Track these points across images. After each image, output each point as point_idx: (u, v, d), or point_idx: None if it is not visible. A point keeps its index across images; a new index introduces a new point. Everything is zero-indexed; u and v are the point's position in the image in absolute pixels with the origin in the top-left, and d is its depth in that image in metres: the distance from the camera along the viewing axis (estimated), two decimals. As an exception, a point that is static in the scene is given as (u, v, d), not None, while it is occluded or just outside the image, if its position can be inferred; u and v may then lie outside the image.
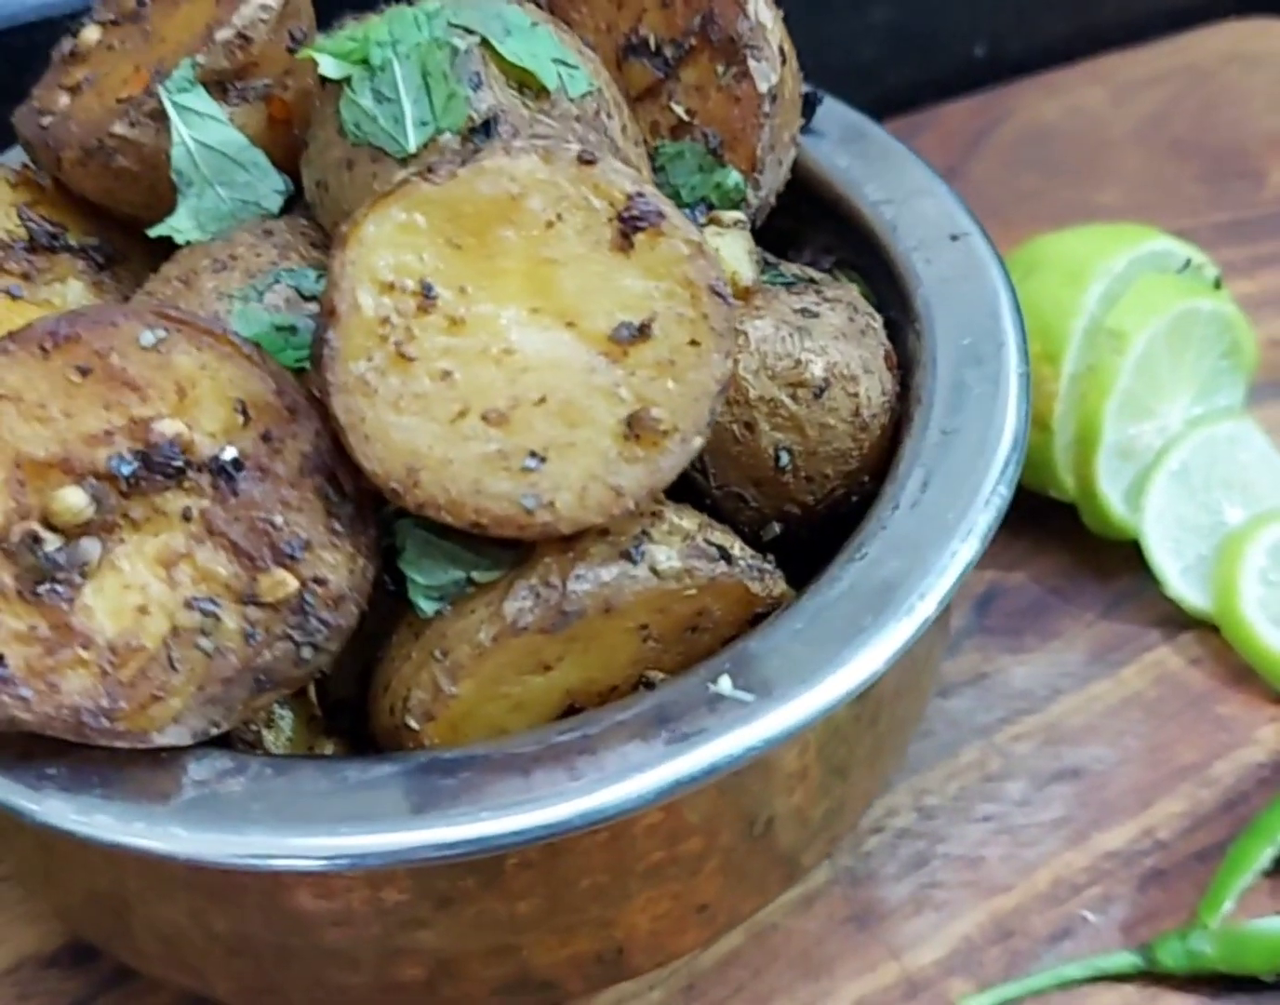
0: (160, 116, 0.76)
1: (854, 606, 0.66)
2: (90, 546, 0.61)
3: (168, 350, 0.62)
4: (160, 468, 0.61)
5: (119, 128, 0.76)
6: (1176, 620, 0.97)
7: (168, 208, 0.77)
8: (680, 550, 0.66)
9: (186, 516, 0.62)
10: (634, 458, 0.63)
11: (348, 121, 0.70)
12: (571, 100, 0.73)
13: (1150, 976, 0.79)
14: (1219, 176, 1.34)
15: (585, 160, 0.63)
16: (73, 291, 0.78)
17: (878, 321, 0.79)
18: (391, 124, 0.69)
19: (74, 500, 0.60)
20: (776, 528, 0.77)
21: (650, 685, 0.66)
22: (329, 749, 0.69)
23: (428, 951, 0.67)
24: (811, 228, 0.93)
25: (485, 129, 0.69)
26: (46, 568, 0.60)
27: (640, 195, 0.64)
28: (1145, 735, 0.91)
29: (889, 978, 0.80)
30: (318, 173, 0.73)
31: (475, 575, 0.65)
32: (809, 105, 0.92)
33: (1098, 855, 0.85)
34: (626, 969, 0.73)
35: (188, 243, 0.75)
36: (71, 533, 0.61)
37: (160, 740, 0.61)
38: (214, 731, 0.62)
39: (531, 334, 0.63)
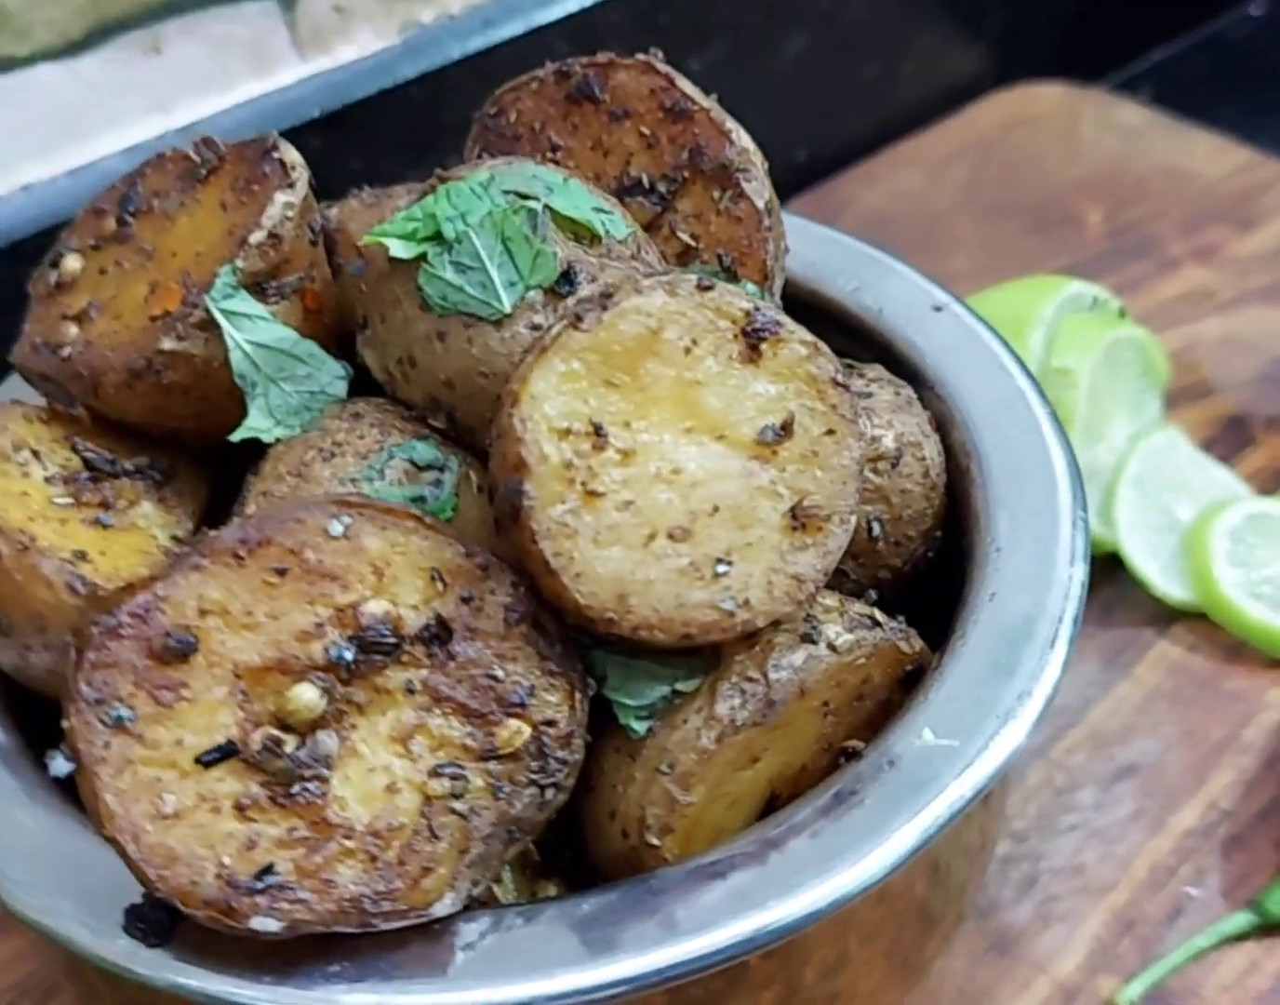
0: (208, 326, 0.76)
1: (1006, 645, 0.72)
2: (328, 738, 0.61)
3: (356, 535, 0.63)
4: (376, 648, 0.62)
5: (167, 344, 0.76)
6: (1164, 615, 1.06)
7: (218, 417, 0.78)
8: (845, 624, 0.71)
9: (410, 689, 0.63)
10: (804, 545, 0.68)
11: (432, 296, 0.73)
12: (620, 242, 0.77)
13: (1264, 929, 0.87)
14: (1044, 227, 1.49)
15: (704, 287, 0.68)
16: (147, 510, 0.78)
17: (911, 390, 0.86)
18: (480, 290, 0.72)
19: (308, 696, 0.61)
20: (873, 595, 0.82)
21: (857, 754, 0.69)
22: (552, 890, 0.70)
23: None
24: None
25: (568, 279, 0.73)
26: (292, 769, 0.60)
27: (757, 309, 0.69)
28: (1176, 722, 1.00)
29: (1044, 991, 0.85)
30: (399, 350, 0.75)
31: (679, 686, 0.68)
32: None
33: (1178, 836, 0.93)
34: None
35: (277, 441, 0.76)
36: (306, 729, 0.61)
37: (439, 911, 0.61)
38: (475, 892, 0.62)
39: (691, 451, 0.67)
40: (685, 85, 0.86)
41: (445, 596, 0.64)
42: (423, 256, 0.74)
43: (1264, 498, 1.10)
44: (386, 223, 0.76)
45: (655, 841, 0.66)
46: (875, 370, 0.86)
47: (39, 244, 0.90)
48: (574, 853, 0.71)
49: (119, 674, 0.59)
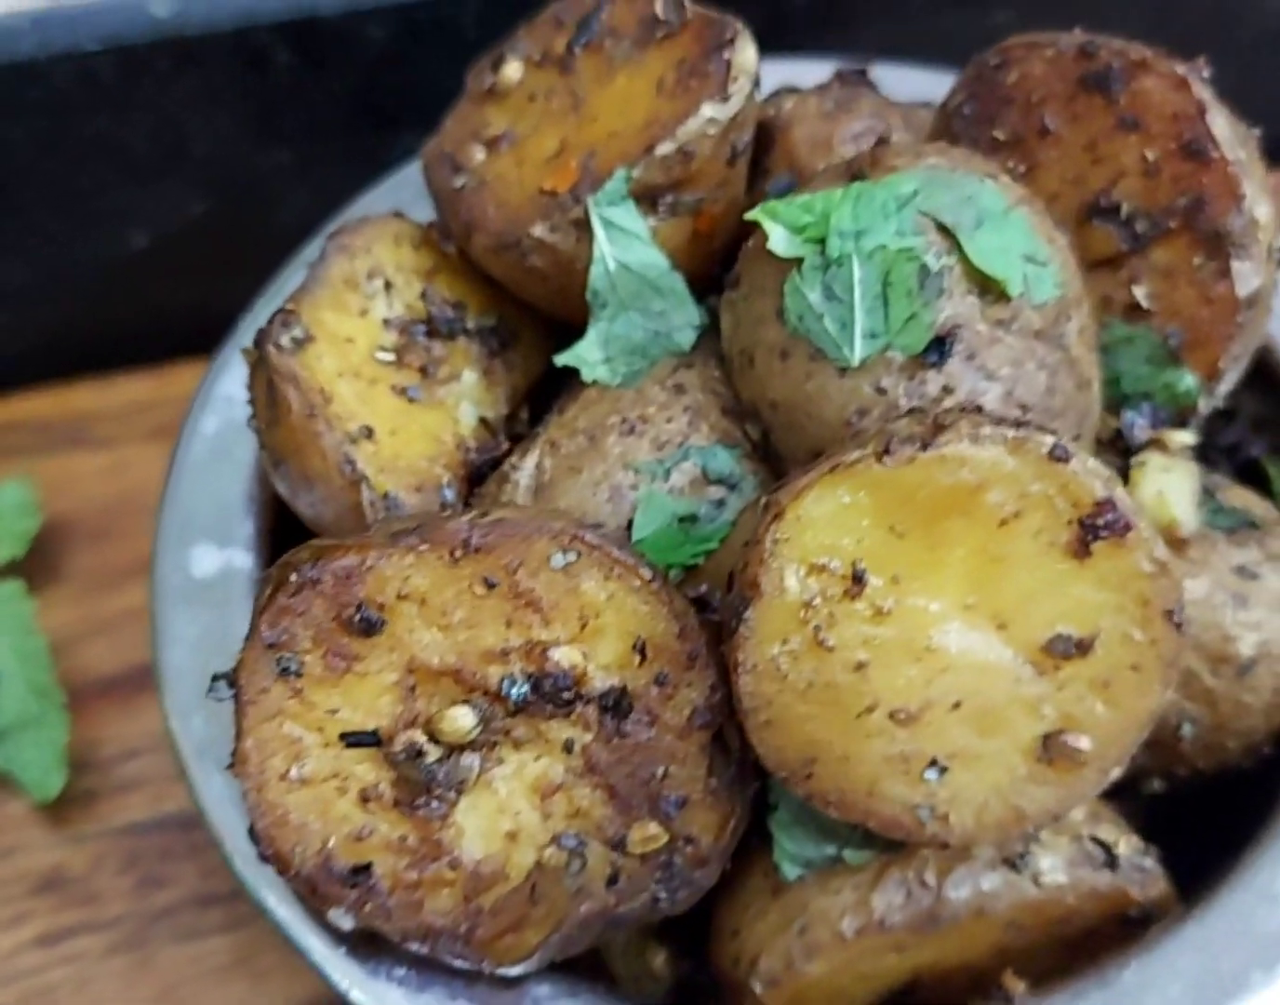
0: (583, 225, 0.71)
1: (1249, 951, 0.61)
2: (469, 763, 0.60)
3: (577, 575, 0.59)
4: (551, 697, 0.59)
5: (538, 230, 0.71)
6: None
7: (573, 307, 0.73)
8: (1067, 856, 0.62)
9: (568, 748, 0.60)
10: (1044, 780, 0.58)
11: (790, 310, 0.64)
12: (1034, 308, 0.65)
13: None
14: None
15: (1058, 457, 0.57)
16: (466, 383, 0.76)
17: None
18: (838, 328, 0.63)
19: (464, 722, 0.59)
20: (1157, 785, 0.71)
21: (1009, 1001, 0.62)
22: (660, 958, 0.68)
23: None
24: (1247, 394, 0.83)
25: (939, 346, 0.63)
26: (425, 780, 0.59)
27: (1110, 503, 0.57)
28: None
29: None
30: (745, 341, 0.68)
31: (847, 854, 0.62)
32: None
33: None
34: None
35: (594, 382, 0.71)
36: (452, 747, 0.60)
37: (512, 973, 0.60)
38: (557, 958, 0.61)
39: (959, 632, 0.58)
40: (1217, 123, 0.70)
41: (640, 671, 0.60)
42: (800, 260, 0.65)
43: None
44: (781, 203, 0.67)
45: (759, 989, 0.62)
46: (1291, 541, 0.71)
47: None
48: (693, 933, 0.68)
49: (303, 627, 0.59)
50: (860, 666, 0.58)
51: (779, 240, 0.65)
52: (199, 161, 1.03)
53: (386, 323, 0.75)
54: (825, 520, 0.57)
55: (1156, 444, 0.70)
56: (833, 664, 0.57)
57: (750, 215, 0.67)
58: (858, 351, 0.63)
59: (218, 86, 0.98)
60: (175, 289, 1.10)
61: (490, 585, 0.59)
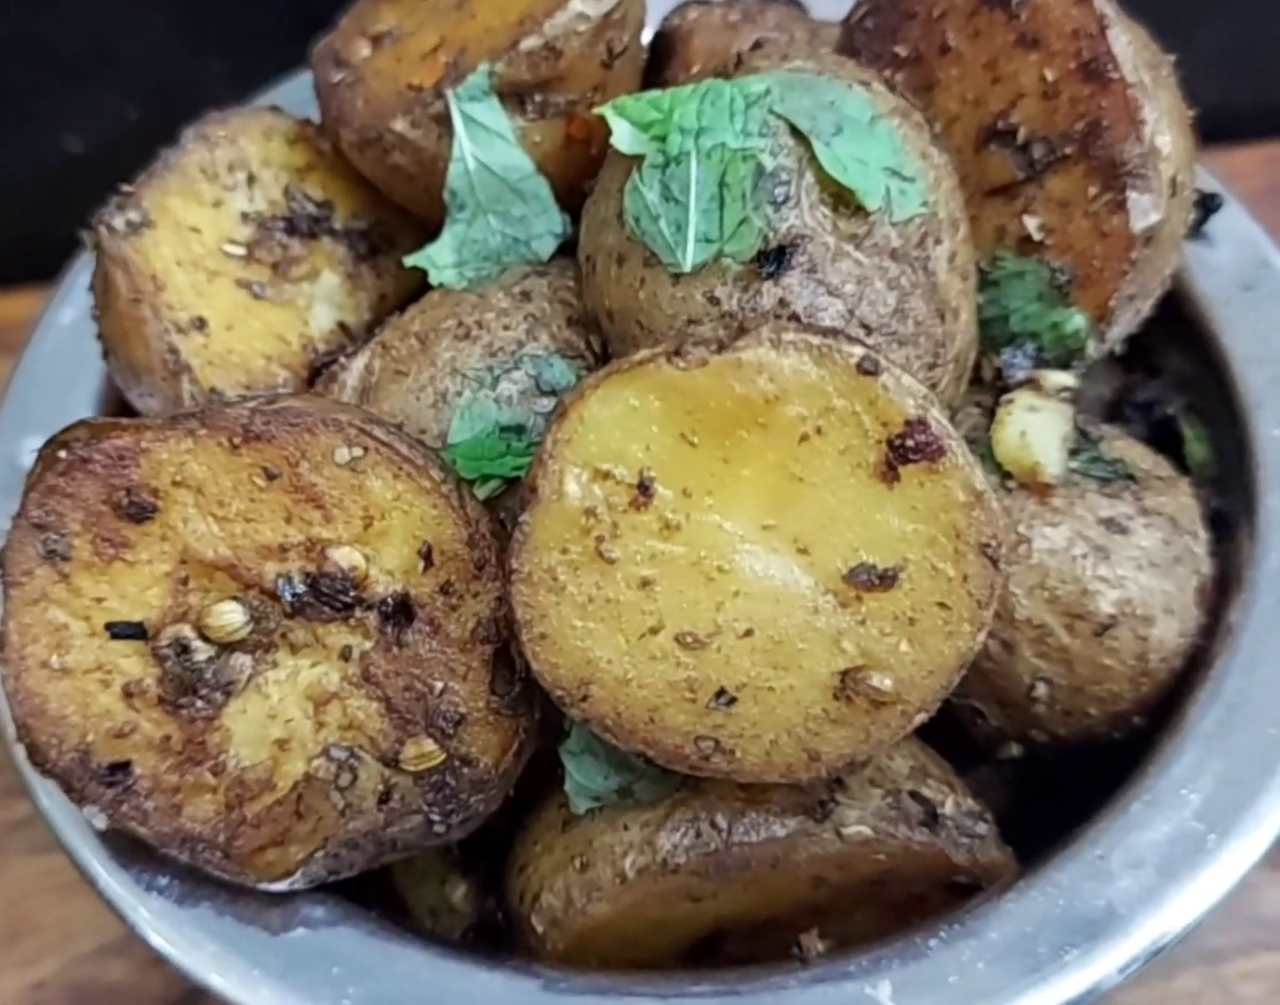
0: (445, 121, 0.68)
1: (1068, 928, 0.56)
2: (240, 663, 0.57)
3: (363, 471, 0.56)
4: (329, 600, 0.56)
5: (399, 125, 0.68)
6: None
7: (439, 210, 0.70)
8: (876, 810, 0.58)
9: (345, 655, 0.57)
10: (841, 720, 0.54)
11: (629, 210, 0.61)
12: (894, 225, 0.61)
13: None
14: None
15: (866, 370, 0.52)
16: (324, 286, 0.73)
17: (1200, 541, 0.66)
18: (673, 230, 0.59)
19: (231, 618, 0.56)
20: (1015, 750, 0.67)
21: (804, 962, 0.58)
22: (460, 891, 0.64)
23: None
24: (1173, 351, 0.78)
25: (778, 255, 0.59)
26: (191, 679, 0.56)
27: (922, 423, 0.52)
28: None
29: None
30: (589, 245, 0.64)
31: (637, 789, 0.58)
32: (1205, 210, 0.77)
33: None
34: None
35: (440, 285, 0.68)
36: (223, 646, 0.57)
37: (275, 888, 0.57)
38: (330, 879, 0.58)
39: (754, 554, 0.54)
40: (1118, 42, 0.65)
41: (425, 578, 0.56)
42: (640, 161, 0.61)
43: None
44: (630, 97, 0.63)
45: (539, 928, 0.58)
46: (1167, 498, 0.66)
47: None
48: (491, 867, 0.65)
49: (72, 508, 0.56)
50: (645, 583, 0.54)
51: (623, 136, 0.62)
52: (129, 66, 1.01)
53: (245, 216, 0.72)
54: (611, 423, 0.53)
55: (1031, 384, 0.66)
56: (615, 578, 0.54)
57: (598, 109, 0.63)
58: (690, 256, 0.59)
59: (145, -13, 0.96)
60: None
61: (271, 476, 0.56)
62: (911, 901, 0.61)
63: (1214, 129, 1.14)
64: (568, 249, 0.69)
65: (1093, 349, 0.67)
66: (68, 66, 1.00)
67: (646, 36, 0.76)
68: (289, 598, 0.56)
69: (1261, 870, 0.81)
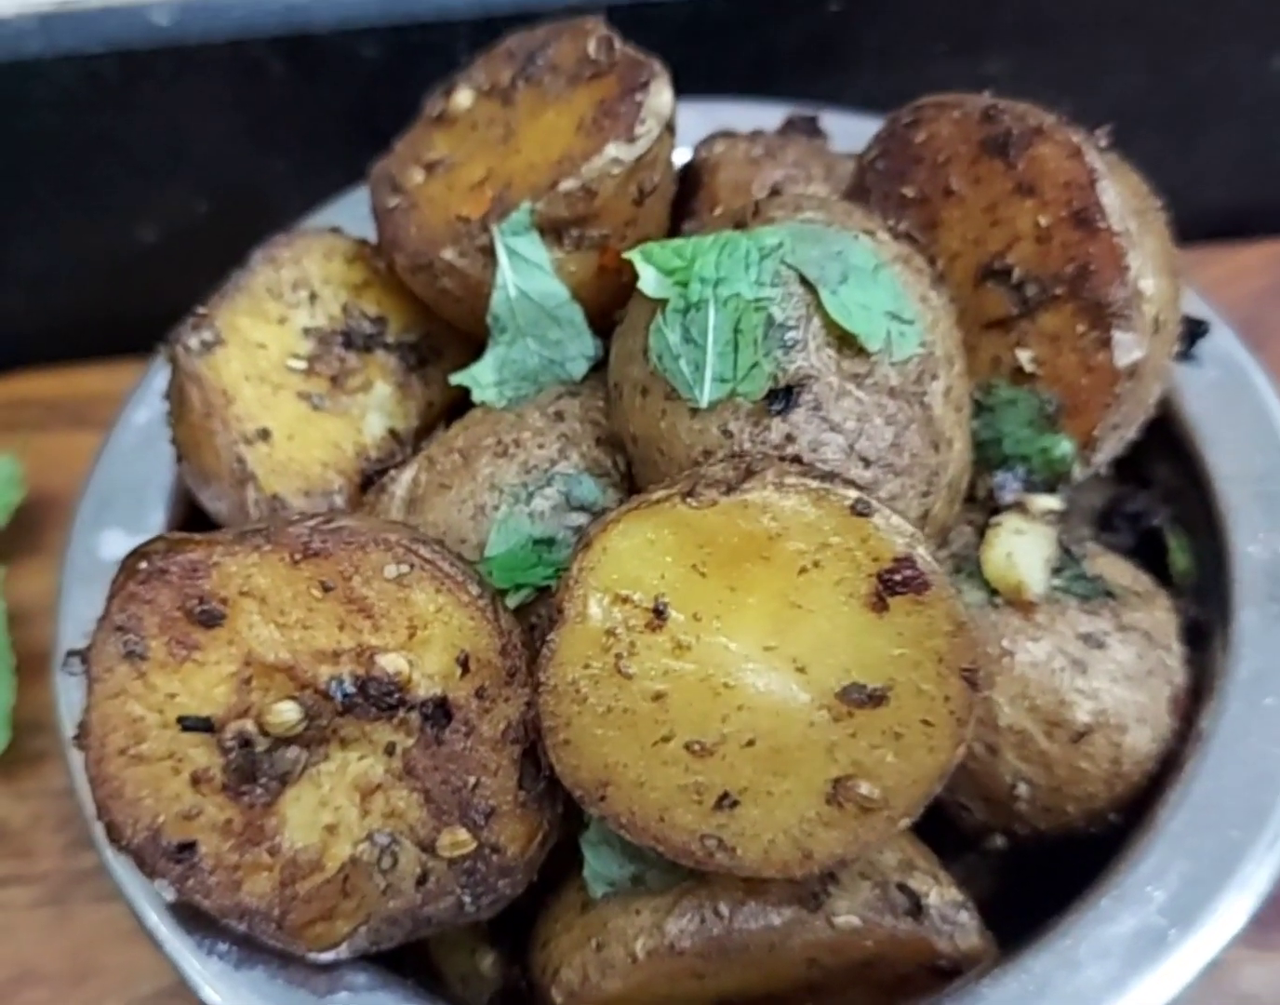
0: (490, 252, 0.74)
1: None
2: (295, 756, 0.63)
3: (408, 585, 0.63)
4: (376, 700, 0.63)
5: (448, 254, 0.75)
6: None
7: (483, 329, 0.77)
8: (865, 901, 0.64)
9: (389, 751, 0.63)
10: (832, 823, 0.60)
11: (653, 348, 0.67)
12: (893, 365, 0.67)
13: None
14: None
15: (859, 512, 0.59)
16: (377, 396, 0.79)
17: (1174, 654, 0.71)
18: (692, 370, 0.66)
19: (289, 715, 0.63)
20: (999, 841, 0.73)
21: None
22: (488, 960, 0.71)
23: None
24: (1163, 464, 0.84)
25: (786, 394, 0.65)
26: (251, 769, 0.63)
27: (909, 561, 0.59)
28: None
29: None
30: (617, 374, 0.71)
31: (649, 877, 0.64)
32: (1193, 335, 0.83)
33: None
34: None
35: (482, 403, 0.75)
36: (280, 740, 0.63)
37: (323, 958, 0.64)
38: (372, 951, 0.65)
39: (757, 672, 0.60)
40: (1106, 193, 0.71)
41: (462, 683, 0.63)
42: (665, 301, 0.68)
43: None
44: (656, 245, 0.69)
45: (558, 999, 0.65)
46: (1143, 614, 0.71)
47: None
48: (517, 939, 0.71)
49: (149, 613, 0.63)
50: (659, 696, 0.60)
51: (649, 281, 0.68)
52: (200, 164, 1.08)
53: (306, 331, 0.79)
54: (630, 554, 0.59)
55: (1018, 507, 0.72)
56: (632, 691, 0.60)
57: (626, 254, 0.69)
58: (707, 394, 0.65)
59: (216, 94, 1.04)
60: (182, 283, 1.16)
61: (327, 589, 0.63)
62: (898, 982, 0.67)
63: (1221, 227, 1.21)
64: (600, 367, 0.76)
65: (1078, 473, 0.73)
66: (143, 164, 1.07)
67: (679, 157, 0.82)
68: (340, 698, 0.63)
69: (1240, 948, 0.87)
